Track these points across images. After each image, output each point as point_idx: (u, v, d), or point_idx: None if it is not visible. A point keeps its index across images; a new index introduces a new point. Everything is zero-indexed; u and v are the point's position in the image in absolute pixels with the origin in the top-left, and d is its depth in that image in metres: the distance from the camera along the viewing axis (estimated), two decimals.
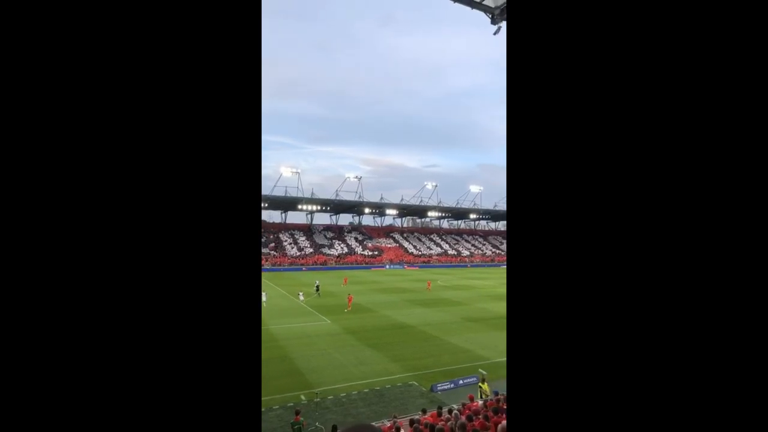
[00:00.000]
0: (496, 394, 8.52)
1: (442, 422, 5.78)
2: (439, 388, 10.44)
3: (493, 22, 6.77)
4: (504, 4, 6.53)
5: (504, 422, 4.41)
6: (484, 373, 10.51)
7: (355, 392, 10.20)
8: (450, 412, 6.83)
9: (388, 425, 6.90)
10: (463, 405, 7.67)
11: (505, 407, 6.29)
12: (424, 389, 10.52)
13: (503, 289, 28.82)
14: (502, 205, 59.36)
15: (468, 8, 6.65)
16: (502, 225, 67.55)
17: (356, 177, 49.78)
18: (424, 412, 7.37)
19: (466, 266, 50.29)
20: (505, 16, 6.70)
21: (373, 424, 8.19)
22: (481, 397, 8.77)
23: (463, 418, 5.25)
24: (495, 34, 7.03)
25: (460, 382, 10.79)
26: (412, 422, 6.02)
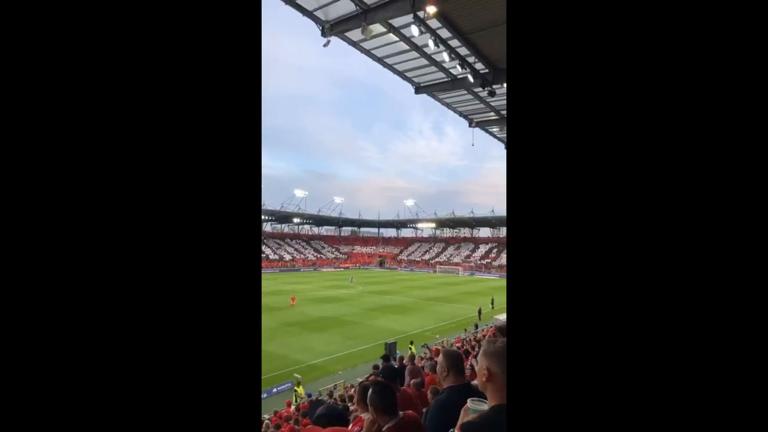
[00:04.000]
0: (309, 396, 8.68)
1: None
2: None
3: (323, 34, 7.01)
4: (335, 20, 6.86)
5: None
6: (299, 377, 10.56)
7: None
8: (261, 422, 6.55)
9: None
10: (275, 413, 7.50)
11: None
12: None
13: (322, 293, 29.89)
14: (326, 211, 61.77)
15: (300, 14, 6.69)
16: (324, 230, 70.05)
17: None
18: None
19: (299, 270, 49.81)
20: (335, 31, 7.03)
21: None
22: (296, 401, 8.78)
23: (272, 427, 5.12)
24: (325, 46, 7.29)
25: (274, 390, 10.53)
26: None
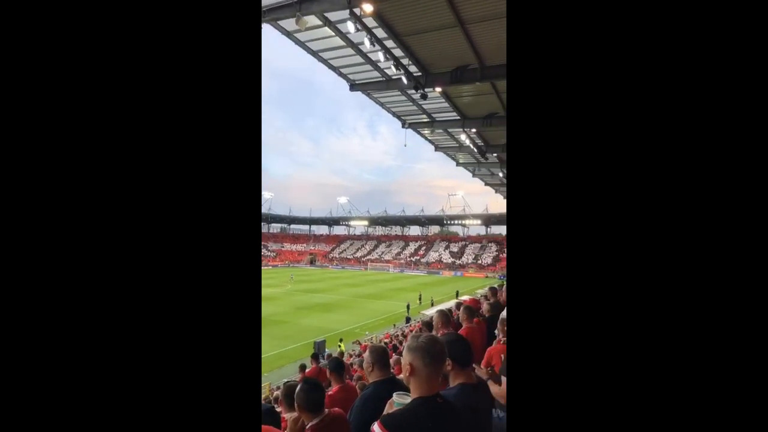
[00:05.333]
0: None
1: None
2: None
3: None
4: (267, 7, 6.55)
5: None
6: None
7: None
8: None
9: None
10: None
11: None
12: None
13: None
14: None
15: None
16: None
17: None
18: None
19: None
20: (268, 18, 6.72)
21: None
22: None
23: None
24: None
25: None
26: None
